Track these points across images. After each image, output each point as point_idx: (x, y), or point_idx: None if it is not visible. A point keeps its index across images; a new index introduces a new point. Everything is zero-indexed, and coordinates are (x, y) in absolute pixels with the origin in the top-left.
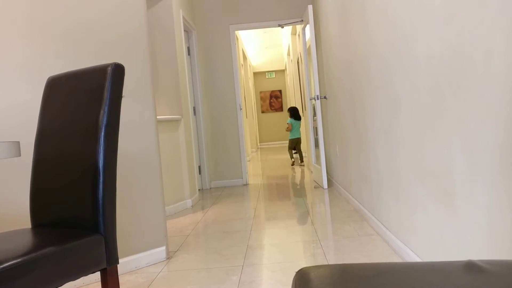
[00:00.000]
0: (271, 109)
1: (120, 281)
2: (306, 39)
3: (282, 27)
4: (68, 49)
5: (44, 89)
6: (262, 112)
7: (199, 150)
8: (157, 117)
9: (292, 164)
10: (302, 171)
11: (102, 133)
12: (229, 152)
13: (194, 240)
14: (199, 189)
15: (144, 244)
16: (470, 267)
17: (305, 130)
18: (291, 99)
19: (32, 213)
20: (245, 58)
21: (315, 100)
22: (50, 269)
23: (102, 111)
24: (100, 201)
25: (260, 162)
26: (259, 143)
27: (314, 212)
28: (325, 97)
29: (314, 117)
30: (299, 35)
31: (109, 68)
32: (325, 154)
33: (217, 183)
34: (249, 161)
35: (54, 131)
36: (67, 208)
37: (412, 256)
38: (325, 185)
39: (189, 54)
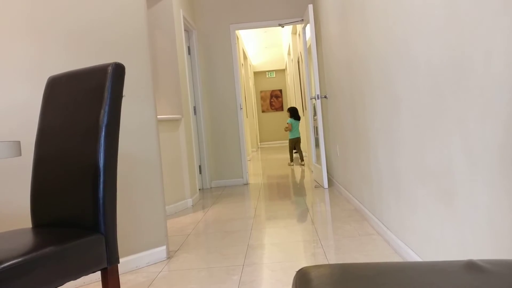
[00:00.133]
0: (272, 109)
1: (120, 281)
2: (307, 39)
3: (283, 27)
4: (68, 49)
5: (45, 89)
6: (263, 111)
7: (200, 149)
8: (158, 116)
9: (289, 164)
10: (303, 171)
11: (103, 133)
12: (230, 152)
13: (195, 239)
14: (199, 189)
15: (144, 243)
16: (471, 266)
17: (305, 129)
18: (292, 99)
19: (33, 213)
20: (245, 57)
21: (315, 99)
22: (51, 269)
23: (102, 111)
24: (101, 201)
25: (260, 161)
26: (260, 142)
27: (314, 212)
28: (325, 97)
29: (315, 117)
30: (299, 34)
31: (110, 67)
32: (326, 154)
33: (218, 183)
34: (249, 160)
35: (54, 131)
36: (67, 207)
37: (413, 255)
38: (326, 185)
39: (189, 53)
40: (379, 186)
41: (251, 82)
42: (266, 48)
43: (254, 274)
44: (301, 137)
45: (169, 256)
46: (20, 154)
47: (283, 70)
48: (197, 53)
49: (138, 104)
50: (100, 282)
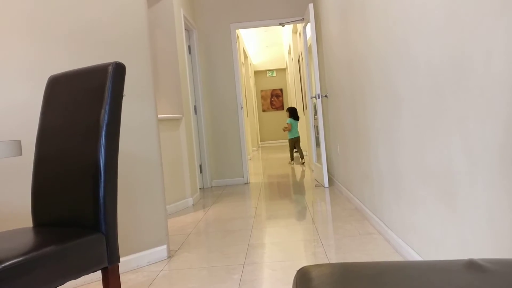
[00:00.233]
0: (272, 108)
1: (121, 280)
2: (307, 38)
3: (283, 26)
4: (69, 49)
5: (45, 88)
6: (263, 110)
7: (200, 149)
8: (158, 116)
9: (290, 163)
10: (303, 170)
11: (103, 132)
12: (230, 151)
13: (195, 238)
14: (200, 188)
15: (145, 242)
16: (471, 266)
17: (306, 129)
18: (292, 98)
19: (34, 212)
20: (246, 56)
21: (316, 98)
22: (52, 268)
23: (103, 110)
24: (101, 200)
25: (261, 161)
26: (260, 141)
27: (315, 211)
28: (326, 96)
29: (315, 116)
30: (300, 33)
31: (110, 67)
32: (326, 153)
33: (218, 182)
34: (250, 159)
35: (55, 130)
36: (68, 207)
37: (413, 255)
38: (326, 184)
39: (190, 53)
40: (379, 185)
41: (252, 81)
42: (266, 47)
43: (255, 273)
44: (300, 137)
45: (170, 255)
46: (20, 154)
47: (284, 69)
48: (198, 52)
49: (138, 104)
50: (101, 281)
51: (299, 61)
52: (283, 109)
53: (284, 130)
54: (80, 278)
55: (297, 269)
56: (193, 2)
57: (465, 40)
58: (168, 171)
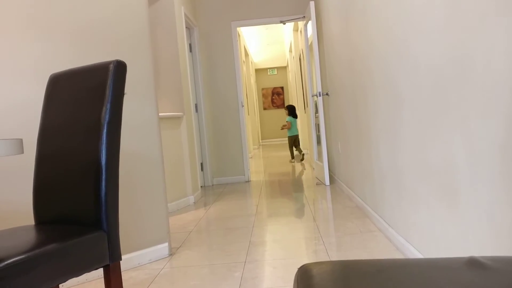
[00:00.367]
0: (273, 106)
1: (123, 278)
2: (308, 36)
3: (284, 24)
4: (70, 48)
5: (46, 86)
6: (264, 109)
7: (201, 147)
8: (159, 114)
9: (291, 161)
10: (304, 168)
11: (105, 130)
12: (231, 149)
13: (197, 236)
14: (201, 186)
15: (146, 240)
16: (472, 263)
17: (307, 127)
18: (293, 96)
19: (35, 210)
20: (247, 54)
21: (317, 96)
22: (54, 266)
23: (104, 108)
24: (103, 198)
25: (262, 159)
26: (261, 140)
27: (316, 209)
28: (327, 94)
29: (316, 114)
30: (301, 31)
31: (111, 65)
32: (327, 151)
33: (219, 180)
34: (251, 158)
35: (56, 128)
36: (70, 205)
37: (414, 252)
38: (327, 182)
39: (190, 51)
40: (381, 183)
41: (253, 79)
42: (267, 45)
43: (256, 271)
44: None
45: (171, 253)
46: (22, 152)
47: (285, 67)
48: (199, 51)
49: (139, 102)
50: (103, 279)
51: (300, 59)
52: (284, 107)
53: (282, 128)
54: (82, 275)
55: (298, 267)
56: (194, 0)
57: (466, 39)
58: (169, 169)
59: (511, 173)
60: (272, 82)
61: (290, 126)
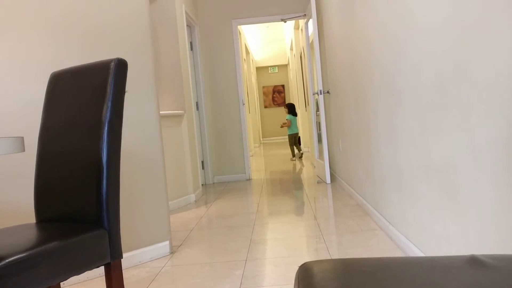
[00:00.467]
0: (274, 104)
1: (124, 276)
2: (309, 34)
3: (285, 22)
4: (71, 45)
5: (48, 85)
6: (265, 107)
7: (202, 145)
8: (160, 112)
9: (292, 159)
10: (306, 166)
11: (106, 129)
12: (232, 147)
13: (198, 234)
14: (202, 184)
15: (147, 238)
16: (473, 261)
17: (308, 125)
18: (294, 94)
19: (37, 208)
20: (247, 52)
21: (318, 95)
22: (55, 264)
23: (105, 107)
24: (104, 196)
25: (263, 157)
26: (262, 138)
27: (317, 207)
28: (328, 92)
29: (317, 112)
30: (302, 29)
31: (112, 63)
32: (328, 149)
33: (220, 178)
34: (252, 156)
35: (57, 126)
36: (71, 203)
37: (415, 251)
38: (328, 180)
39: (191, 49)
40: (381, 181)
41: (254, 78)
42: (268, 43)
43: (257, 269)
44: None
45: (172, 251)
46: (23, 150)
47: (286, 65)
48: (199, 49)
49: (140, 100)
50: (104, 277)
51: (301, 57)
52: (284, 105)
53: (282, 126)
54: (83, 273)
55: (299, 265)
56: None
57: (468, 35)
58: (170, 168)
59: None
60: (273, 80)
61: (290, 124)
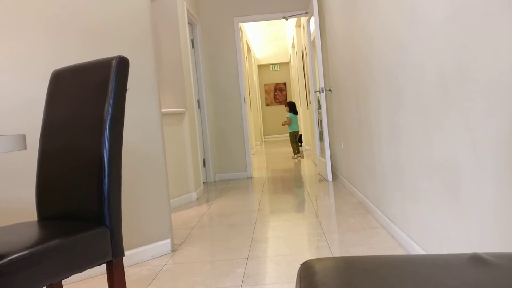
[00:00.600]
0: (276, 102)
1: (125, 274)
2: (311, 31)
3: (287, 19)
4: (71, 43)
5: (49, 82)
6: (267, 105)
7: (204, 143)
8: (162, 110)
9: (293, 157)
10: (308, 164)
11: (107, 126)
12: (234, 145)
13: (199, 232)
14: (203, 182)
15: (149, 237)
16: (475, 259)
17: (310, 123)
18: (296, 92)
19: (38, 206)
20: (249, 50)
21: (319, 92)
22: (57, 261)
23: (107, 105)
24: (106, 194)
25: (264, 155)
26: (264, 136)
27: (318, 205)
28: (329, 90)
29: (319, 110)
30: (303, 27)
31: (114, 61)
32: (330, 147)
33: (222, 176)
34: (253, 154)
35: (59, 124)
36: (72, 200)
37: (417, 249)
38: (330, 178)
39: (193, 46)
40: (383, 179)
41: (255, 75)
42: (270, 41)
43: (258, 267)
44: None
45: (174, 249)
46: (25, 148)
47: (287, 63)
48: (201, 46)
49: (142, 98)
50: (105, 275)
51: (302, 55)
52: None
53: (283, 124)
54: (85, 271)
55: (301, 263)
56: None
57: (470, 34)
58: (171, 166)
59: None
60: (275, 78)
61: (290, 122)
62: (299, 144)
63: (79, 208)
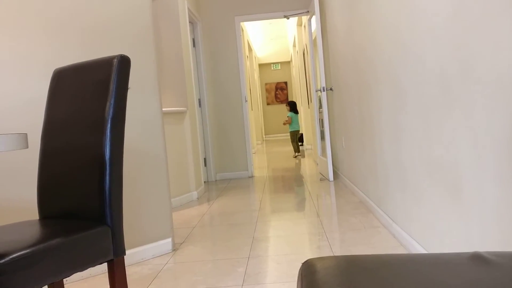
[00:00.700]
0: (277, 101)
1: (126, 273)
2: (312, 30)
3: (288, 18)
4: (77, 45)
5: (51, 81)
6: (268, 104)
7: (205, 142)
8: (163, 109)
9: (295, 156)
10: (309, 163)
11: (109, 125)
12: (235, 145)
13: (200, 232)
14: (204, 181)
15: (150, 236)
16: (476, 258)
17: (311, 122)
18: (297, 91)
19: (40, 205)
20: (250, 49)
21: (321, 92)
22: (58, 260)
23: (108, 103)
24: (107, 193)
25: (265, 154)
26: (265, 135)
27: (319, 204)
28: (331, 89)
29: (320, 109)
30: (304, 26)
31: (115, 60)
32: (331, 146)
33: (223, 175)
34: (254, 153)
35: (60, 123)
36: (74, 199)
37: (418, 248)
38: (331, 177)
39: (194, 45)
40: (384, 178)
41: (256, 75)
42: (271, 40)
43: (260, 266)
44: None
45: (175, 249)
46: (27, 146)
47: (288, 62)
48: (202, 45)
49: (143, 97)
50: (107, 273)
51: (304, 54)
52: (287, 102)
53: (285, 124)
54: (86, 270)
55: (302, 262)
56: None
57: (472, 33)
58: (172, 165)
59: None
60: (276, 77)
61: (291, 121)
62: (300, 144)
63: (81, 207)
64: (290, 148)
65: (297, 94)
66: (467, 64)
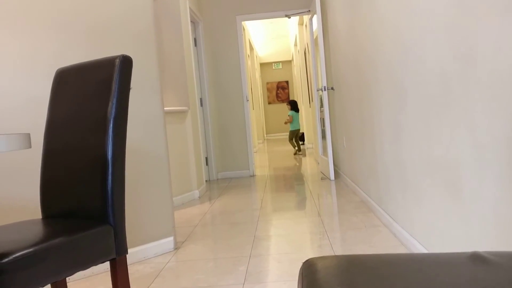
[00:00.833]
0: (278, 100)
1: (129, 271)
2: (313, 30)
3: (289, 18)
4: (75, 42)
5: (53, 81)
6: (269, 103)
7: (206, 141)
8: (164, 108)
9: (295, 154)
10: (310, 163)
11: (111, 125)
12: (236, 144)
13: (202, 230)
14: (206, 180)
15: (152, 234)
16: (476, 258)
17: (312, 121)
18: (298, 90)
19: (42, 204)
20: (251, 48)
21: (322, 91)
22: (61, 259)
23: (110, 103)
24: (109, 192)
25: (266, 153)
26: (266, 134)
27: (321, 204)
28: (332, 88)
29: (321, 108)
30: (306, 25)
31: (117, 60)
32: (332, 146)
33: (224, 174)
34: (255, 152)
35: (63, 123)
36: (76, 199)
37: (419, 247)
38: (332, 177)
39: (195, 45)
40: (385, 178)
41: (258, 74)
42: (272, 39)
43: (261, 265)
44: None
45: (177, 247)
46: (30, 146)
47: (290, 62)
48: (203, 45)
49: (145, 96)
50: (109, 272)
51: (305, 53)
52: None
53: (286, 123)
54: (89, 269)
55: (303, 261)
56: None
57: (473, 32)
58: (174, 164)
59: None
60: (277, 76)
61: (292, 120)
62: (301, 143)
63: (83, 206)
64: (291, 147)
65: (298, 93)
66: (467, 64)
